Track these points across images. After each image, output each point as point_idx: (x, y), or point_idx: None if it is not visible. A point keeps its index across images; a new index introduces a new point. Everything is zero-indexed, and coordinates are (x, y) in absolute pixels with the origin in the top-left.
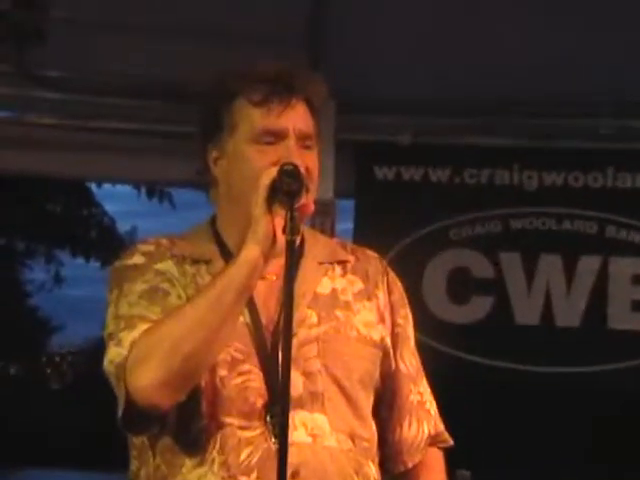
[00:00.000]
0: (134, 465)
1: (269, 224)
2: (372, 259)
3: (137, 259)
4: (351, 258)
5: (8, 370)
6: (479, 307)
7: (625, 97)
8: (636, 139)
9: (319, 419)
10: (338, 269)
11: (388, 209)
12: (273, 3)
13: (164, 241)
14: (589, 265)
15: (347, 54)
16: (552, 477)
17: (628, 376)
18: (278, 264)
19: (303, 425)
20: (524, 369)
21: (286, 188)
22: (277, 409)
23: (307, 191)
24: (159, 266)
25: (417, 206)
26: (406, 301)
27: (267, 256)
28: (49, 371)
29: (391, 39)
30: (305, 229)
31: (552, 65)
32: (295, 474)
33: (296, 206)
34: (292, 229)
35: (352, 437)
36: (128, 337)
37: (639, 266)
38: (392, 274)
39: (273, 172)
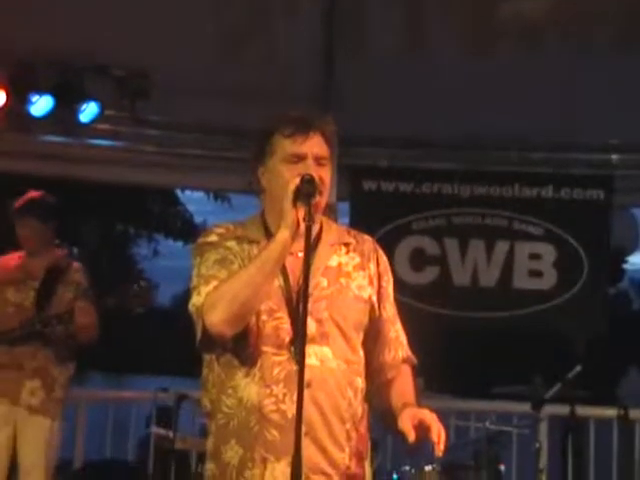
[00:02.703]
0: (204, 372)
1: (295, 215)
2: (367, 241)
3: (212, 238)
4: (352, 241)
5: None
6: (430, 273)
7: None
8: (531, 164)
9: (325, 350)
10: (344, 248)
11: (372, 209)
12: (303, 78)
13: (230, 226)
14: (502, 247)
15: (346, 109)
16: (480, 384)
17: (526, 318)
18: (301, 243)
19: (315, 354)
20: (459, 314)
21: (305, 191)
22: (298, 343)
23: (320, 194)
24: (227, 244)
25: (391, 207)
26: (389, 269)
27: (294, 237)
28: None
29: (377, 99)
30: (323, 219)
31: (473, 103)
32: (308, 385)
33: (312, 203)
34: (309, 219)
35: (347, 362)
36: (205, 289)
37: (534, 248)
38: (380, 251)
39: (297, 181)
